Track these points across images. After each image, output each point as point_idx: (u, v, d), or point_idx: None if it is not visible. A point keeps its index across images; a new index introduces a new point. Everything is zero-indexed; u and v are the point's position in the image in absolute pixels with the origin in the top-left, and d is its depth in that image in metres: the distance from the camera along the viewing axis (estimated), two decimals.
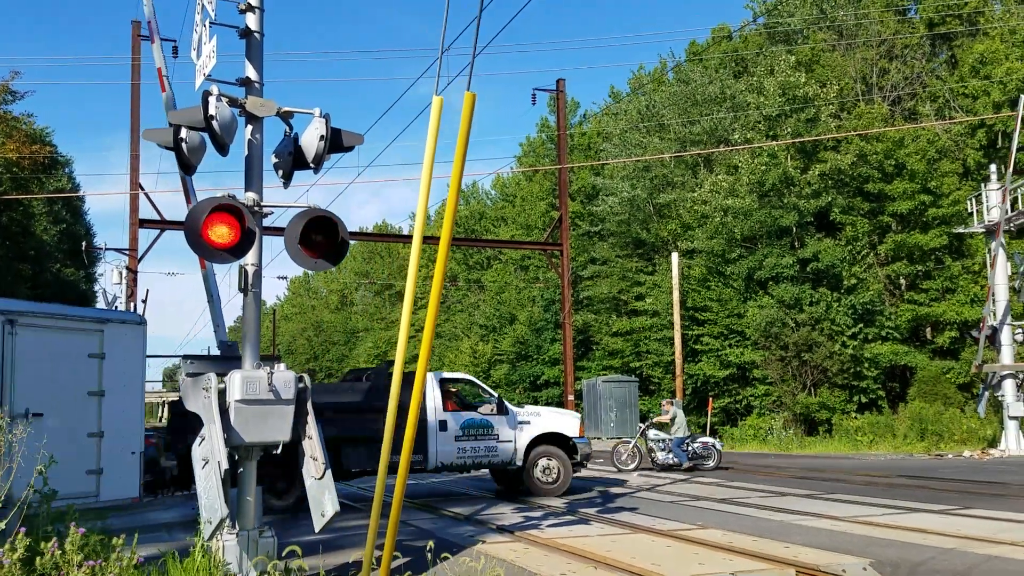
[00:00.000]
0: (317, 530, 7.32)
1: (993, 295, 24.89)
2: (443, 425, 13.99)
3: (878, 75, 38.06)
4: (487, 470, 15.16)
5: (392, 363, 20.13)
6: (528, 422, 14.65)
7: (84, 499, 10.52)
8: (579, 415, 15.57)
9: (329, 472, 7.33)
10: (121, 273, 33.48)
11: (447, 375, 15.16)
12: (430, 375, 14.65)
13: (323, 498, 7.29)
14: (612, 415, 36.06)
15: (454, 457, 13.96)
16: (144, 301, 32.18)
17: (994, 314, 24.90)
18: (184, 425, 11.20)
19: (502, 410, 14.47)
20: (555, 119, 44.55)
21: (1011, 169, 24.56)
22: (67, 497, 9.14)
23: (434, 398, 14.11)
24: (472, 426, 14.18)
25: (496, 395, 14.76)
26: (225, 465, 6.83)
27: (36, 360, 10.73)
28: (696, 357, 34.87)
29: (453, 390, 14.94)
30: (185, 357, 7.70)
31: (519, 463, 14.46)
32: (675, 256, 33.87)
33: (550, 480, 14.54)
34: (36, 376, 10.66)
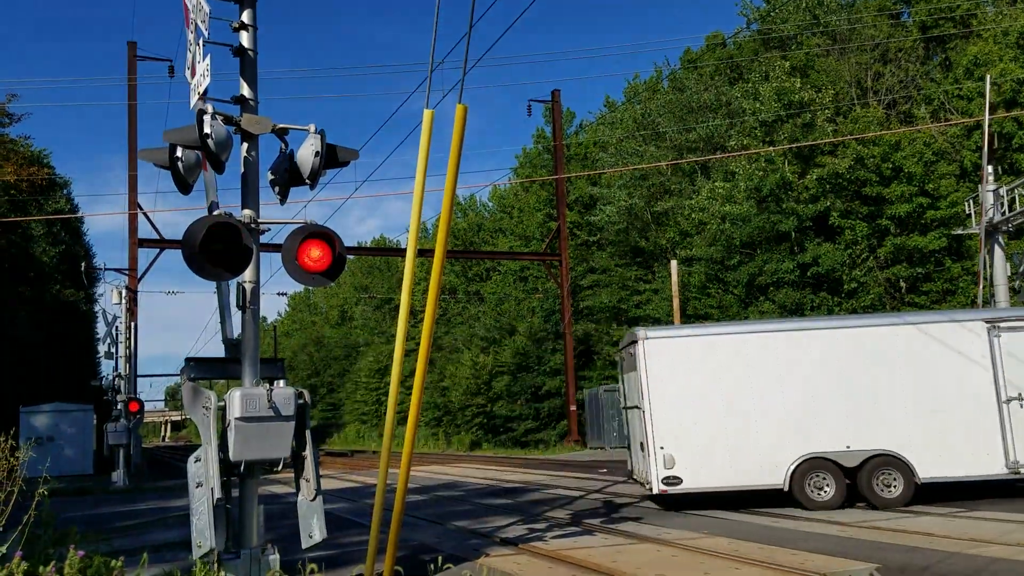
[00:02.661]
0: (304, 547, 7.40)
1: (992, 291, 24.91)
2: None
3: (873, 79, 38.14)
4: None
5: None
6: None
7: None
8: None
9: (320, 497, 7.34)
10: (121, 293, 33.48)
11: None
12: None
13: (312, 521, 7.36)
14: (615, 425, 36.00)
15: None
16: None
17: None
18: None
19: None
20: (551, 130, 44.70)
21: (986, 155, 24.82)
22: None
23: None
24: None
25: None
26: (218, 493, 6.81)
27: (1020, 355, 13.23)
28: None
29: None
30: (188, 360, 7.60)
31: None
32: (674, 264, 33.86)
33: None
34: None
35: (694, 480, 12.90)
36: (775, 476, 12.84)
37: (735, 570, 8.08)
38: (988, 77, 26.30)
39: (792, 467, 12.85)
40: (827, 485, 12.90)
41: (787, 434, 13.00)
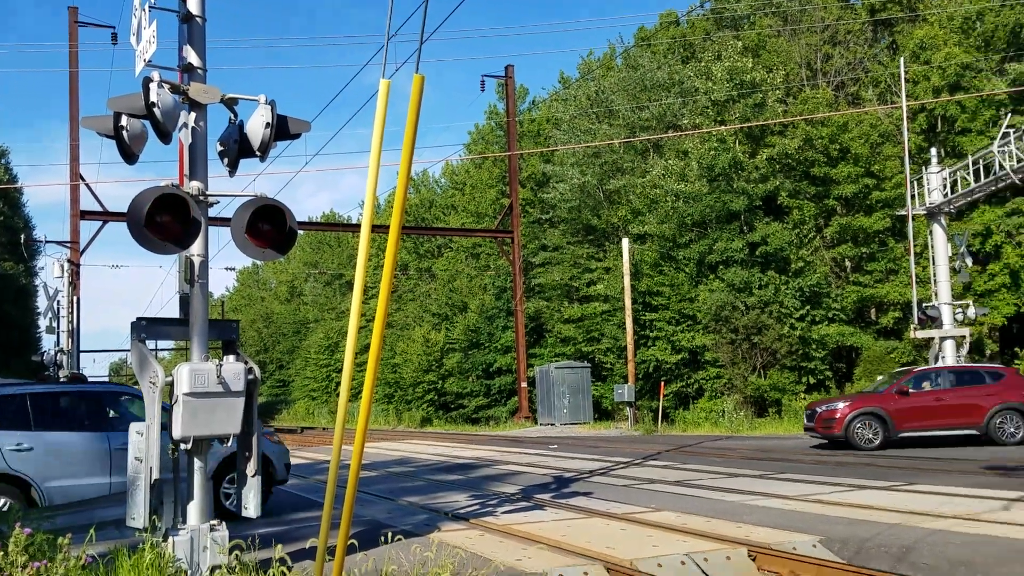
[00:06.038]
0: (239, 517, 7.48)
1: (934, 270, 25.63)
2: None
3: (822, 60, 38.64)
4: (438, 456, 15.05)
5: None
6: None
7: None
8: None
9: (259, 476, 7.29)
10: (63, 266, 32.65)
11: None
12: None
13: (249, 495, 7.35)
14: (565, 401, 36.26)
15: None
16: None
17: (935, 294, 25.57)
18: None
19: None
20: (504, 106, 44.51)
21: (907, 135, 25.58)
22: None
23: None
24: None
25: None
26: (156, 474, 6.69)
27: None
28: (648, 343, 35.16)
29: None
30: (139, 319, 7.34)
31: None
32: (626, 241, 34.09)
33: None
34: None
35: None
36: None
37: (682, 542, 8.22)
38: (901, 60, 27.23)
39: None
40: None
41: None
